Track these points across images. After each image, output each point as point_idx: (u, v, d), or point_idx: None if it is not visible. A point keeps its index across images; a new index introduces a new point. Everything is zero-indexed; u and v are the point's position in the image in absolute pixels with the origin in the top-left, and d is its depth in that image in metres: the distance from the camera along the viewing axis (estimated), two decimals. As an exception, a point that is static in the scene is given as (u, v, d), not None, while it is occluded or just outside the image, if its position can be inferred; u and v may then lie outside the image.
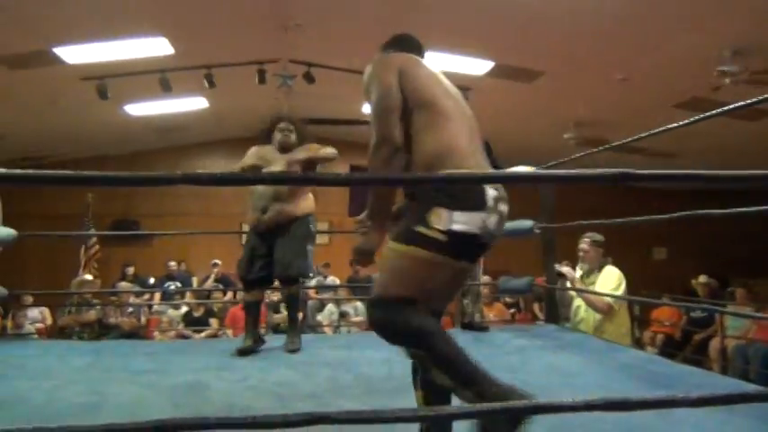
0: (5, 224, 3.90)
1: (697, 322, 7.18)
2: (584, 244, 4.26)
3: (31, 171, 1.13)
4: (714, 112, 2.69)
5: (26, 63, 6.47)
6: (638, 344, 7.28)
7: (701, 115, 2.77)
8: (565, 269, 4.27)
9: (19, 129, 8.57)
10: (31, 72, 6.68)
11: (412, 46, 2.14)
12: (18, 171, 1.13)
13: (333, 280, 8.77)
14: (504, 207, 1.72)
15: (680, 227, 11.63)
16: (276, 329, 6.98)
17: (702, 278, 8.02)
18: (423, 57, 2.13)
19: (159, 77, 7.16)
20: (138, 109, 8.79)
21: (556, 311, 4.46)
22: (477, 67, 7.06)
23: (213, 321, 7.50)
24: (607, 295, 3.94)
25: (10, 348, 3.70)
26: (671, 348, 7.10)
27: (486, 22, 5.98)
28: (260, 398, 2.56)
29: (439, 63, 6.84)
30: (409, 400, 1.87)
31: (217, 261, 9.13)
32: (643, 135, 3.11)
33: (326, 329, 7.30)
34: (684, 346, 7.18)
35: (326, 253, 9.93)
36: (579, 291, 4.14)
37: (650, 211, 3.49)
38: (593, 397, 1.20)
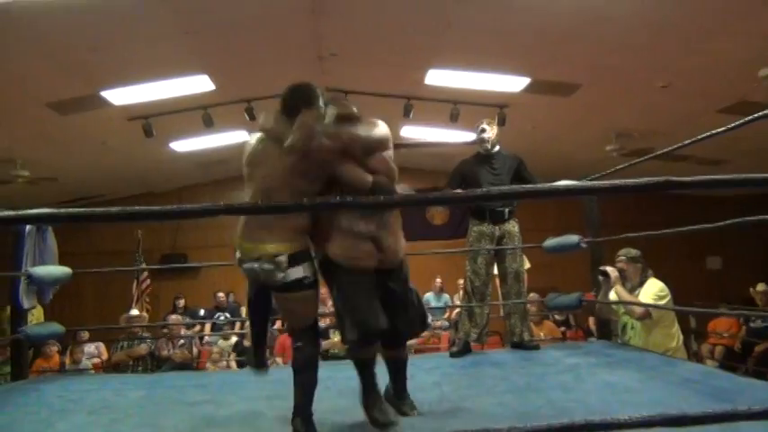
0: (60, 262, 4.03)
1: (757, 332, 6.91)
2: (619, 263, 4.13)
3: (85, 209, 1.17)
4: (759, 114, 2.61)
5: (75, 107, 6.73)
6: (697, 357, 7.04)
7: (746, 119, 2.70)
8: (609, 268, 4.11)
9: (70, 170, 8.90)
10: (80, 116, 6.95)
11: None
12: (75, 210, 1.17)
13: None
14: None
15: (734, 235, 11.25)
16: (326, 356, 6.99)
17: (761, 286, 7.70)
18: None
19: (202, 113, 7.36)
20: (182, 145, 9.02)
21: (608, 327, 4.36)
22: (513, 84, 7.03)
23: (263, 350, 7.56)
24: (649, 306, 3.83)
25: (68, 384, 3.79)
26: (731, 361, 6.84)
27: (519, 38, 5.96)
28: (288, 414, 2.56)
29: (474, 82, 6.89)
30: (463, 420, 1.85)
31: None
32: (687, 142, 3.04)
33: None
34: (746, 358, 6.91)
35: None
36: (624, 303, 4.02)
37: (701, 220, 3.39)
38: (652, 413, 1.17)
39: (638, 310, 3.86)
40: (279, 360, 7.17)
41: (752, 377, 3.85)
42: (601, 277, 4.11)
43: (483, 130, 4.30)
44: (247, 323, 8.44)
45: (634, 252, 4.14)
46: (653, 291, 3.95)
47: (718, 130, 2.77)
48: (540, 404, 2.65)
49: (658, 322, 3.90)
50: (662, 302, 3.88)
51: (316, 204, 1.29)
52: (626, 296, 3.94)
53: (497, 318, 5.33)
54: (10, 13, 4.58)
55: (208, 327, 8.78)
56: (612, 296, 4.09)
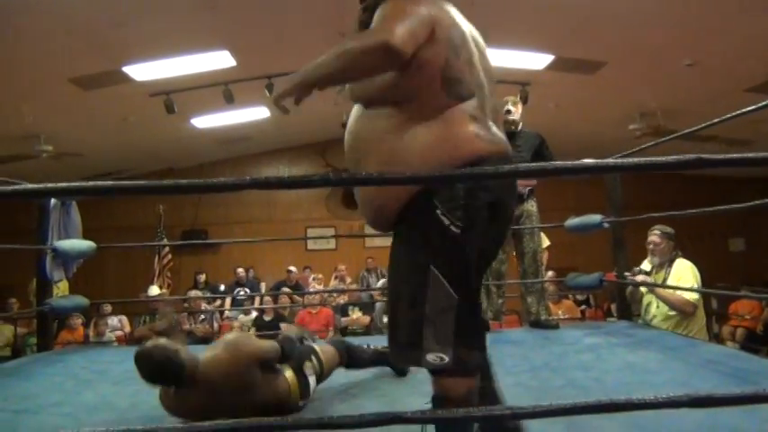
0: (84, 237, 4.09)
1: (780, 315, 6.84)
2: (654, 236, 4.10)
3: (110, 182, 1.18)
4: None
5: (98, 83, 6.78)
6: (718, 339, 6.99)
7: (774, 98, 2.63)
8: (640, 277, 4.09)
9: (95, 147, 8.98)
10: (102, 91, 6.99)
11: None
12: (99, 183, 1.18)
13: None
14: None
15: (757, 217, 11.10)
16: (344, 332, 7.06)
17: (786, 269, 7.62)
18: None
19: (222, 89, 7.37)
20: (203, 122, 9.06)
21: (628, 307, 4.33)
22: (536, 61, 6.95)
23: (283, 326, 7.65)
24: (685, 290, 3.78)
25: (93, 355, 3.86)
26: (753, 343, 6.78)
27: (543, 14, 5.87)
28: (332, 399, 2.59)
29: (497, 59, 6.81)
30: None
31: (291, 268, 9.31)
32: (714, 122, 2.98)
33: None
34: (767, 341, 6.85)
35: (334, 258, 10.03)
36: (655, 286, 3.99)
37: (724, 201, 3.33)
38: (675, 394, 1.16)
39: (688, 309, 3.80)
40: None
41: (775, 360, 3.81)
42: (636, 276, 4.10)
43: (508, 112, 4.23)
44: (266, 298, 8.39)
45: (669, 229, 4.11)
46: (688, 278, 3.89)
47: (747, 109, 2.71)
48: (560, 383, 2.64)
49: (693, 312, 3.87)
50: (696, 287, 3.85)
51: (342, 180, 1.29)
52: (665, 292, 3.91)
53: (516, 297, 5.33)
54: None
55: (228, 302, 8.89)
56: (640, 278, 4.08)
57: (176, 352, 2.19)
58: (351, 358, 2.78)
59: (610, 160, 1.25)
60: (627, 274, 4.15)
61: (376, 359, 2.88)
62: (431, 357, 1.45)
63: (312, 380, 2.47)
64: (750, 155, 1.22)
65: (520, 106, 4.34)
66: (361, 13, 1.72)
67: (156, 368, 2.16)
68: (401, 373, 2.86)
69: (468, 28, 1.63)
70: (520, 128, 4.27)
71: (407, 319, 1.50)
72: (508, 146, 1.64)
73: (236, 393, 2.21)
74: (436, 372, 1.50)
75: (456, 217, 1.48)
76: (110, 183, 1.21)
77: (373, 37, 1.44)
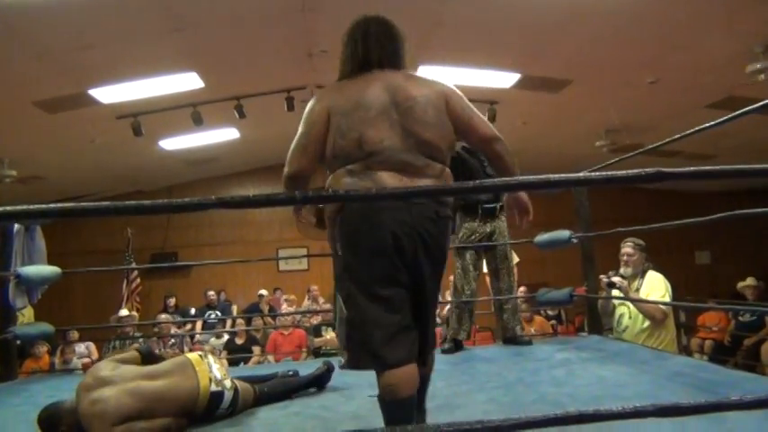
0: (49, 262, 4.01)
1: (746, 326, 6.96)
2: (627, 248, 4.17)
3: (74, 204, 1.16)
4: (747, 108, 2.61)
5: (63, 106, 6.68)
6: (686, 351, 7.09)
7: (735, 113, 2.71)
8: (616, 279, 4.15)
9: (59, 169, 8.84)
10: (68, 114, 6.89)
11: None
12: (64, 205, 1.16)
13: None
14: None
15: (722, 230, 11.36)
16: (317, 354, 6.99)
17: (750, 280, 7.77)
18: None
19: (191, 111, 7.32)
20: (171, 143, 8.98)
21: (599, 322, 4.37)
22: (503, 80, 7.05)
23: (255, 349, 7.55)
24: (659, 303, 3.86)
25: (58, 384, 3.76)
26: (721, 354, 6.89)
27: (509, 33, 5.97)
28: (304, 423, 2.56)
29: (464, 78, 6.91)
30: (456, 416, 1.84)
31: (262, 292, 9.20)
32: (677, 137, 3.05)
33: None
34: (735, 352, 6.97)
35: (306, 279, 10.02)
36: (628, 300, 4.05)
37: (690, 215, 3.40)
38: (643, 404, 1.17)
39: (659, 315, 3.89)
40: (270, 358, 7.16)
41: (742, 370, 3.88)
42: (608, 288, 4.15)
43: None
44: (238, 320, 8.31)
45: (641, 241, 4.21)
46: (659, 289, 3.98)
47: (707, 124, 2.78)
48: (532, 399, 2.65)
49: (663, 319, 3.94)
50: (667, 299, 3.92)
51: (308, 198, 1.29)
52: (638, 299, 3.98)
53: (489, 314, 5.35)
54: (-4, 10, 4.54)
55: (199, 325, 8.76)
56: (615, 292, 4.13)
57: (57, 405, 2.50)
58: (269, 393, 2.90)
59: (573, 174, 1.27)
60: (602, 276, 4.19)
61: (308, 384, 3.06)
62: (342, 361, 1.98)
63: (228, 394, 2.61)
64: (708, 168, 1.25)
65: None
66: None
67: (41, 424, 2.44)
68: (322, 385, 3.09)
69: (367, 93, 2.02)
70: None
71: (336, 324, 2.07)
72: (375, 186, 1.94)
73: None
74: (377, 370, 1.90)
75: (343, 245, 1.99)
76: (73, 204, 1.19)
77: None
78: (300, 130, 2.05)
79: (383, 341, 1.86)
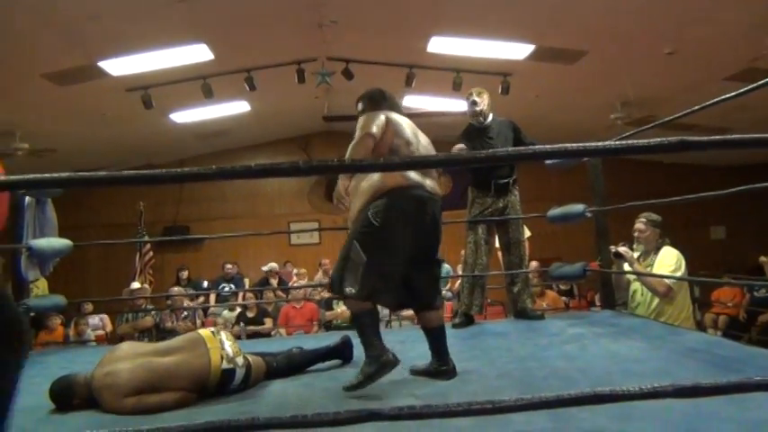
0: (63, 235, 4.01)
1: (761, 302, 6.90)
2: (639, 223, 4.08)
3: (83, 174, 1.13)
4: (764, 81, 2.52)
5: (73, 78, 6.65)
6: (700, 326, 7.05)
7: (753, 85, 2.61)
8: (622, 249, 4.07)
9: (70, 143, 8.83)
10: (78, 87, 6.86)
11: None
12: (74, 174, 1.13)
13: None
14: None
15: (737, 204, 11.19)
16: (329, 327, 7.02)
17: (769, 256, 7.65)
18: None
19: (201, 84, 7.27)
20: (182, 116, 8.94)
21: (612, 296, 4.32)
22: (517, 51, 6.92)
23: (267, 321, 7.59)
24: (666, 277, 3.78)
25: (72, 356, 3.80)
26: (735, 330, 6.85)
27: (523, 4, 5.84)
28: (313, 394, 2.55)
29: (477, 50, 6.79)
30: (467, 392, 1.82)
31: (272, 265, 9.15)
32: (694, 109, 2.96)
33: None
34: (749, 327, 6.92)
35: (318, 252, 10.02)
36: (636, 273, 4.00)
37: (705, 190, 3.33)
38: (658, 384, 1.13)
39: (661, 289, 3.80)
40: (282, 331, 7.20)
41: (756, 346, 3.83)
42: (615, 258, 4.08)
43: (474, 103, 4.12)
44: (249, 294, 8.35)
45: (655, 216, 4.07)
46: (669, 263, 3.88)
47: (725, 96, 2.69)
48: (544, 374, 2.63)
49: (675, 294, 3.86)
50: (678, 274, 3.83)
51: (313, 167, 1.25)
52: (644, 271, 3.91)
53: (501, 288, 5.31)
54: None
55: (212, 298, 8.81)
56: (627, 267, 4.06)
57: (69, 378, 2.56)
58: (281, 367, 2.90)
59: (591, 144, 1.21)
60: (612, 247, 4.13)
61: (323, 357, 3.06)
62: (346, 288, 2.57)
63: (240, 371, 2.63)
64: (731, 137, 1.20)
65: (486, 96, 4.19)
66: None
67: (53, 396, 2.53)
68: (347, 360, 3.09)
69: (405, 122, 2.83)
70: (490, 118, 4.19)
71: (339, 266, 2.67)
72: (419, 180, 2.68)
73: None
74: (347, 297, 2.61)
75: (377, 217, 2.59)
76: (82, 174, 1.16)
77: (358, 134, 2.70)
78: (372, 120, 2.73)
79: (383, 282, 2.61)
